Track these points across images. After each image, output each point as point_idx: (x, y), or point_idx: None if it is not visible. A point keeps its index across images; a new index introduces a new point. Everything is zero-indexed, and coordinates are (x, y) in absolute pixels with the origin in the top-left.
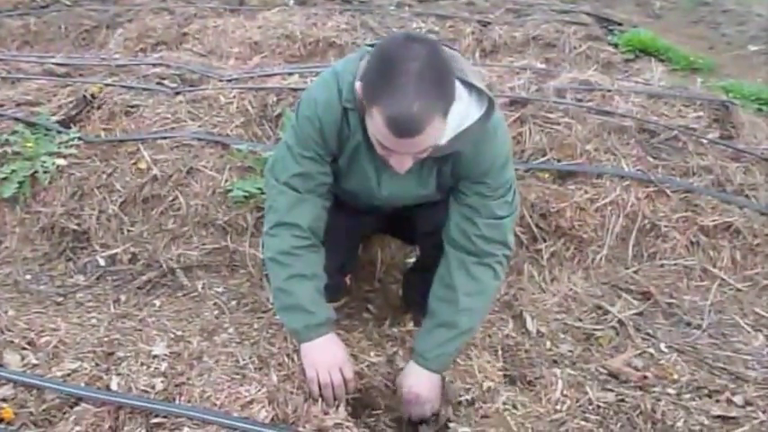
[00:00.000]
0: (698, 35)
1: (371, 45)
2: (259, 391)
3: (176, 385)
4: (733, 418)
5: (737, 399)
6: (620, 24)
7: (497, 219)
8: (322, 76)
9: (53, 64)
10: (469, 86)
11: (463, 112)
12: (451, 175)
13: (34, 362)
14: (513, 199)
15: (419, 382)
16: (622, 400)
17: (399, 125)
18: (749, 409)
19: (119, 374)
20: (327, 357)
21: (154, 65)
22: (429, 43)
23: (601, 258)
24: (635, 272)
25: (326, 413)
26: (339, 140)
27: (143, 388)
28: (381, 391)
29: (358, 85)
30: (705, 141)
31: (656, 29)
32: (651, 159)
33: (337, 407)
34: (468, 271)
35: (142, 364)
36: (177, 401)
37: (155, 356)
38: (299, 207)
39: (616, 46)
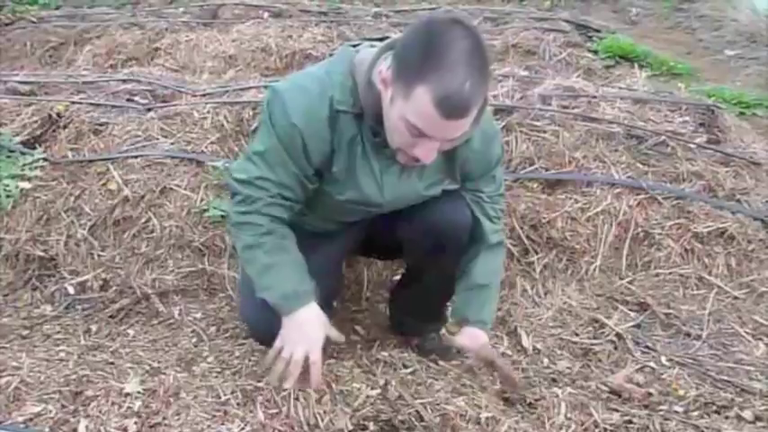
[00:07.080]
0: (675, 41)
1: (355, 45)
2: (242, 429)
3: (151, 426)
4: None
5: (747, 414)
6: (598, 31)
7: (503, 204)
8: (296, 81)
9: (16, 82)
10: None
11: None
12: (460, 171)
13: None
14: None
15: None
16: (630, 422)
17: (451, 104)
18: (760, 424)
19: (87, 416)
20: (301, 335)
21: (123, 81)
22: (471, 25)
23: (594, 269)
24: (630, 282)
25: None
26: (325, 152)
27: (114, 431)
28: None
29: (383, 70)
30: (693, 146)
31: (634, 35)
32: (640, 166)
33: (281, 384)
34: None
35: (113, 403)
36: None
37: (127, 394)
38: (269, 207)
39: (596, 53)
